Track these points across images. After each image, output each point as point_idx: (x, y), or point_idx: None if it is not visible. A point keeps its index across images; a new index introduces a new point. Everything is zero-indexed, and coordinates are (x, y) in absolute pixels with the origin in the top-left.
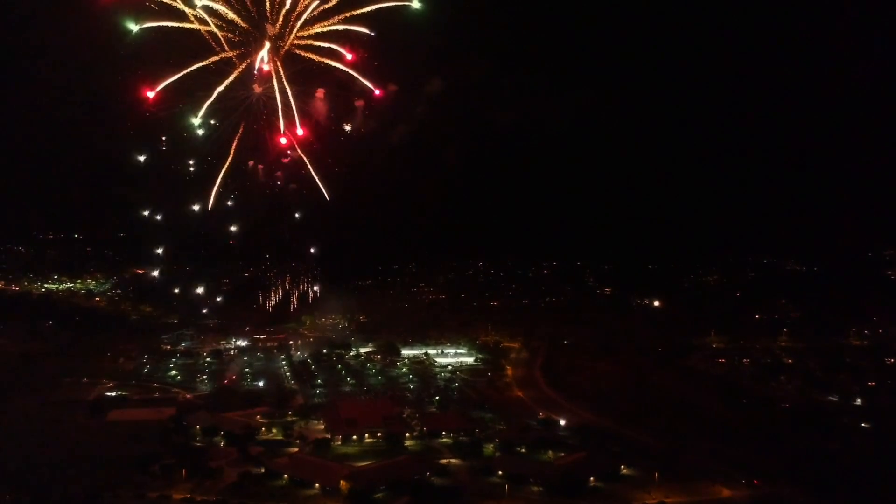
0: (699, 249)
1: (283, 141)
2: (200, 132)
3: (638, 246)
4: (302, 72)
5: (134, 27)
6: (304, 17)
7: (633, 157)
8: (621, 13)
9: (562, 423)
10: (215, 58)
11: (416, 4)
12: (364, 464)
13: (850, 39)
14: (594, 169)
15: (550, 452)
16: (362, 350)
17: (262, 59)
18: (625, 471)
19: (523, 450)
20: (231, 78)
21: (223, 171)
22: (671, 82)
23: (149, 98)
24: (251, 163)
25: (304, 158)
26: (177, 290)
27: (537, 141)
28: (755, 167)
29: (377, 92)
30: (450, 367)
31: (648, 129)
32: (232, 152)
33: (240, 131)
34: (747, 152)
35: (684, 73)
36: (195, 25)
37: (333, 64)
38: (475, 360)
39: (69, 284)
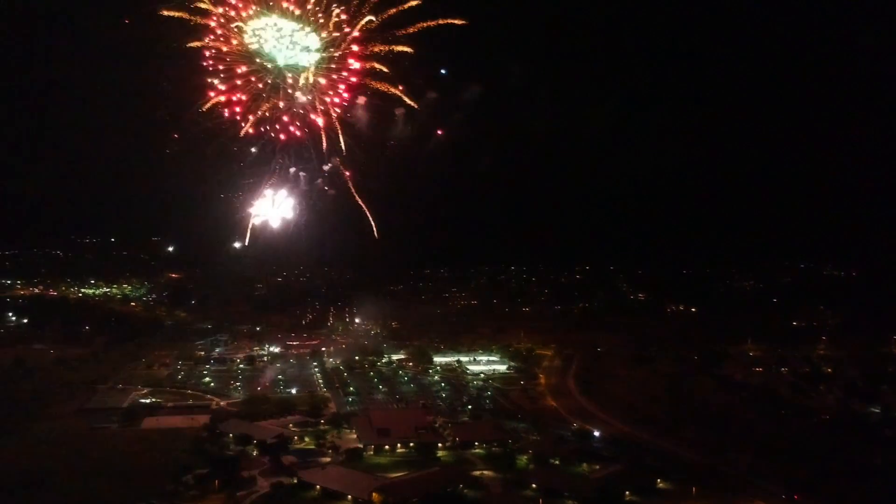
0: (735, 254)
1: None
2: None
3: (673, 250)
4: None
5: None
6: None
7: (668, 162)
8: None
9: (596, 434)
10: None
11: (459, 21)
12: (396, 475)
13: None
14: (629, 174)
15: (585, 465)
16: (394, 357)
17: (308, 78)
18: (661, 484)
19: (557, 462)
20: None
21: (266, 181)
22: (708, 90)
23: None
24: (293, 169)
25: (351, 187)
26: (211, 296)
27: (571, 147)
28: (792, 171)
29: (439, 132)
30: (482, 375)
31: (683, 136)
32: (276, 164)
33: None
34: (784, 157)
35: (721, 81)
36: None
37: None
38: (508, 368)
39: (105, 289)
